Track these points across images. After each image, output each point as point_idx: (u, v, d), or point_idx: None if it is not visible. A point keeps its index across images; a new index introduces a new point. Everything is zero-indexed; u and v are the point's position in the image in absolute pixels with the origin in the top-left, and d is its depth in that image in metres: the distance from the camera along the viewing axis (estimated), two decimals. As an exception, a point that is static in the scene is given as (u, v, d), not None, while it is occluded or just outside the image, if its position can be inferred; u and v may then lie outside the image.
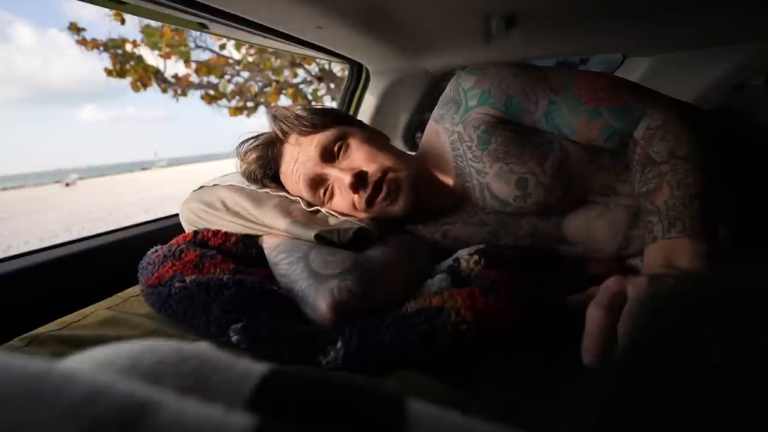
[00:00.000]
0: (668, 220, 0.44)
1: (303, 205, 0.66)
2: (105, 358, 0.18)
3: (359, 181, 0.59)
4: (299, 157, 0.64)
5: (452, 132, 0.64)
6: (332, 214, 0.64)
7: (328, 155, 0.63)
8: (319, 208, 0.66)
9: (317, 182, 0.64)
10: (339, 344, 0.42)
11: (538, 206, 0.61)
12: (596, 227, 0.61)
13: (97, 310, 0.56)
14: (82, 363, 0.18)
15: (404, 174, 0.61)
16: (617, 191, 0.60)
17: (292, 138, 0.66)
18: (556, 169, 0.59)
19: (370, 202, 0.61)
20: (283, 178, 0.69)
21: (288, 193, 0.70)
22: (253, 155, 0.68)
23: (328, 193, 0.64)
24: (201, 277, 0.50)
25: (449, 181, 0.67)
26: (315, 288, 0.49)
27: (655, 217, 0.46)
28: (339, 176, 0.61)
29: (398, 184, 0.61)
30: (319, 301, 0.48)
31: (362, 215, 0.64)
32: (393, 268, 0.55)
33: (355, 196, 0.61)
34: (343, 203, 0.63)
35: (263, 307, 0.48)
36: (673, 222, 0.44)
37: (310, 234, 0.57)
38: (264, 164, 0.68)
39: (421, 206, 0.66)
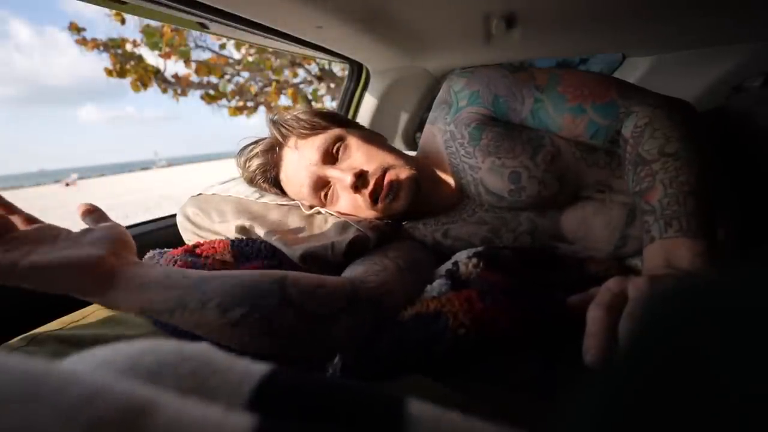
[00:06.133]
0: (664, 219, 0.44)
1: (303, 209, 0.66)
2: (105, 358, 0.18)
3: (360, 180, 0.60)
4: (300, 160, 0.64)
5: (445, 132, 0.65)
6: (332, 214, 0.64)
7: (329, 157, 0.63)
8: (319, 209, 0.66)
9: (319, 185, 0.64)
10: (336, 359, 0.41)
11: (533, 200, 0.61)
12: (593, 224, 0.61)
13: (97, 310, 0.56)
14: (82, 363, 0.18)
15: (404, 170, 0.62)
16: (612, 187, 0.60)
17: (292, 141, 0.66)
18: (548, 163, 0.59)
19: (374, 199, 0.61)
20: (284, 183, 0.69)
21: (288, 198, 0.70)
22: (254, 163, 0.68)
23: (330, 194, 0.65)
24: None
25: (448, 179, 0.67)
26: None
27: (651, 216, 0.46)
28: (340, 176, 0.61)
29: (399, 180, 0.61)
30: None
31: (366, 214, 0.64)
32: (396, 290, 0.50)
33: (358, 196, 0.61)
34: (347, 204, 0.63)
35: None
36: (669, 221, 0.43)
37: (296, 254, 0.55)
38: (265, 171, 0.68)
39: (422, 205, 0.66)
